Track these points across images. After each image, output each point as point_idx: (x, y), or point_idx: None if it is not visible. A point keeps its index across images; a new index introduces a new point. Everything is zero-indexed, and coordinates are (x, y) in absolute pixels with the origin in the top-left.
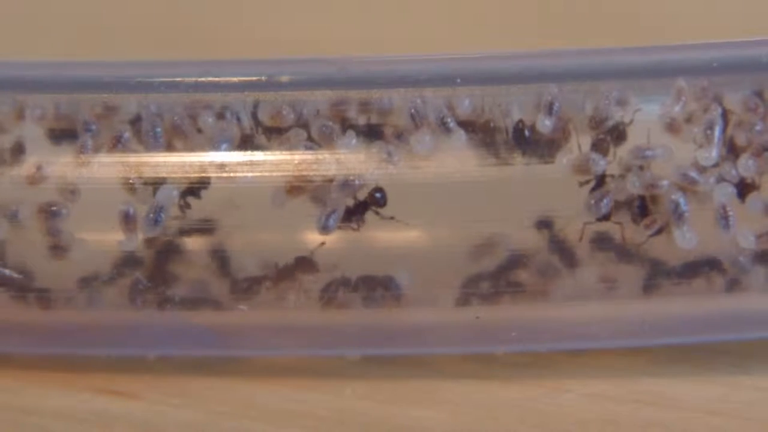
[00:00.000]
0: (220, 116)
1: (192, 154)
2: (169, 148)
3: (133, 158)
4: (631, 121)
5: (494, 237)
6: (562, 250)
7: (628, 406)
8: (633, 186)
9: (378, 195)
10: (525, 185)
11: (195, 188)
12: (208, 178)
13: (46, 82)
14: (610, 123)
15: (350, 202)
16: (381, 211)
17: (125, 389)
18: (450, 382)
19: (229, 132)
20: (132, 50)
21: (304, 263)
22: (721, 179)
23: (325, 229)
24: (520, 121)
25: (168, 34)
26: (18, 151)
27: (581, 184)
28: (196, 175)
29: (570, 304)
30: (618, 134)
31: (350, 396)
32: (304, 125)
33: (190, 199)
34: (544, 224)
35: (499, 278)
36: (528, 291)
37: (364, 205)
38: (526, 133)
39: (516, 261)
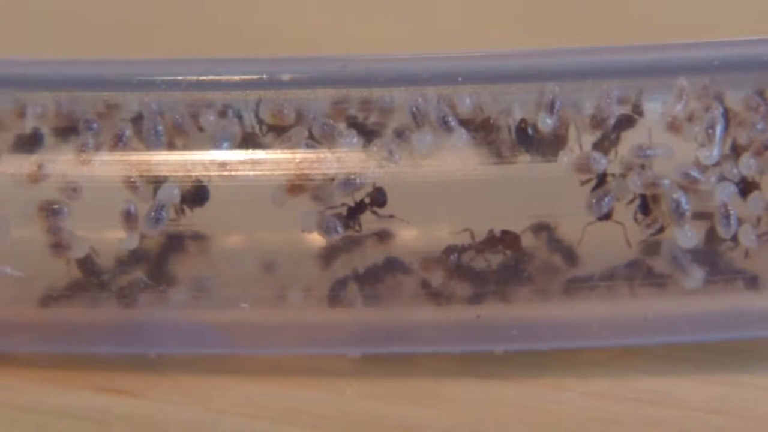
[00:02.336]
0: (222, 115)
1: (193, 152)
2: (171, 146)
3: (134, 156)
4: (633, 121)
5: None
6: (562, 249)
7: (628, 405)
8: (634, 185)
9: (380, 194)
10: (526, 184)
11: (191, 199)
12: (207, 190)
13: (48, 80)
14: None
15: (350, 204)
16: (380, 210)
17: (126, 387)
18: (450, 381)
19: (231, 130)
20: (133, 48)
21: (511, 238)
22: (722, 178)
23: (329, 233)
24: (523, 120)
25: (169, 32)
26: (34, 142)
27: (582, 183)
28: (198, 173)
29: (570, 303)
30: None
31: (351, 395)
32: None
33: (189, 207)
34: (541, 228)
35: (500, 277)
36: (528, 289)
37: (362, 205)
38: (530, 131)
39: (516, 259)
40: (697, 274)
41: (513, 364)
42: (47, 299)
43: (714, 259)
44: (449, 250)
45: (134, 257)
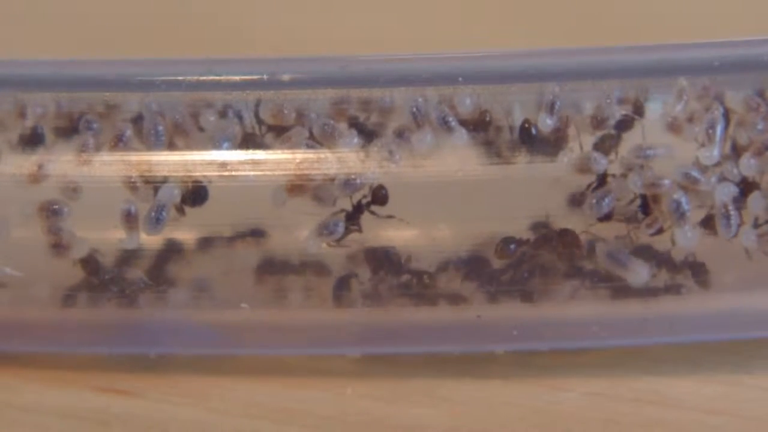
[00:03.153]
0: (222, 115)
1: (193, 152)
2: (171, 146)
3: (134, 157)
4: (633, 120)
5: (495, 235)
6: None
7: (628, 405)
8: (634, 185)
9: (383, 192)
10: (526, 184)
11: (190, 199)
12: (206, 190)
13: (48, 80)
14: (613, 122)
15: (350, 209)
16: (379, 209)
17: (126, 387)
18: (450, 380)
19: (231, 130)
20: (133, 48)
21: (568, 236)
22: (722, 178)
23: (332, 234)
24: (526, 120)
25: (169, 32)
26: (35, 142)
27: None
28: (198, 173)
29: (570, 303)
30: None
31: (350, 395)
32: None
33: (189, 204)
34: (540, 226)
35: (500, 277)
36: (528, 290)
37: (361, 206)
38: (533, 131)
39: (516, 259)
40: (639, 269)
41: (513, 364)
42: (52, 299)
43: (654, 253)
44: (508, 240)
45: (134, 257)
